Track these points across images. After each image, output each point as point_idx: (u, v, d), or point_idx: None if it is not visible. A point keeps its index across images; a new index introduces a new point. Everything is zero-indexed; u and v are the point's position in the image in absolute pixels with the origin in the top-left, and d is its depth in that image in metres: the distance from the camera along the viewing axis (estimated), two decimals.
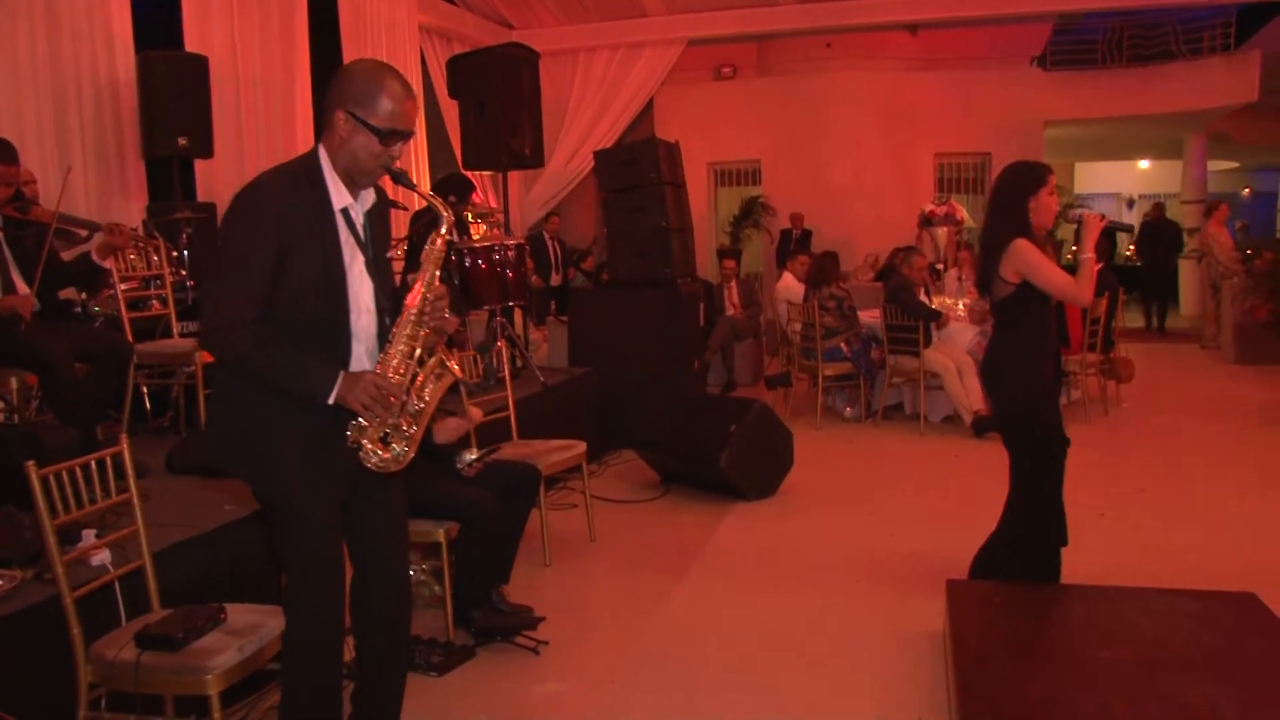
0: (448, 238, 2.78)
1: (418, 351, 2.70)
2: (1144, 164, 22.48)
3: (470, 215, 7.07)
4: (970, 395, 7.62)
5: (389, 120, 2.60)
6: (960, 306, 8.54)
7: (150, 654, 2.73)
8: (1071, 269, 4.02)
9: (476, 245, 6.63)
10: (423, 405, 2.73)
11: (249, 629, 2.88)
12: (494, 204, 9.73)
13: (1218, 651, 3.38)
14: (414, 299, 2.69)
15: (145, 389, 5.61)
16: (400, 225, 8.03)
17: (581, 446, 5.27)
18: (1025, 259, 3.88)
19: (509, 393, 5.45)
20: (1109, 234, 4.07)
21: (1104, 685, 3.13)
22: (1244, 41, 15.10)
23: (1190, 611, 3.69)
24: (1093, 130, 16.79)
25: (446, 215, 2.77)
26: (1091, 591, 4.01)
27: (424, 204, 7.51)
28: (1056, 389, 4.22)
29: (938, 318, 7.90)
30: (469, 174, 8.58)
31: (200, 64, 6.81)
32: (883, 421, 8.18)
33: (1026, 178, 4.01)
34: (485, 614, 4.11)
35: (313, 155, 2.67)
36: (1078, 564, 4.67)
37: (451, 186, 6.97)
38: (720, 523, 5.69)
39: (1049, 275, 3.90)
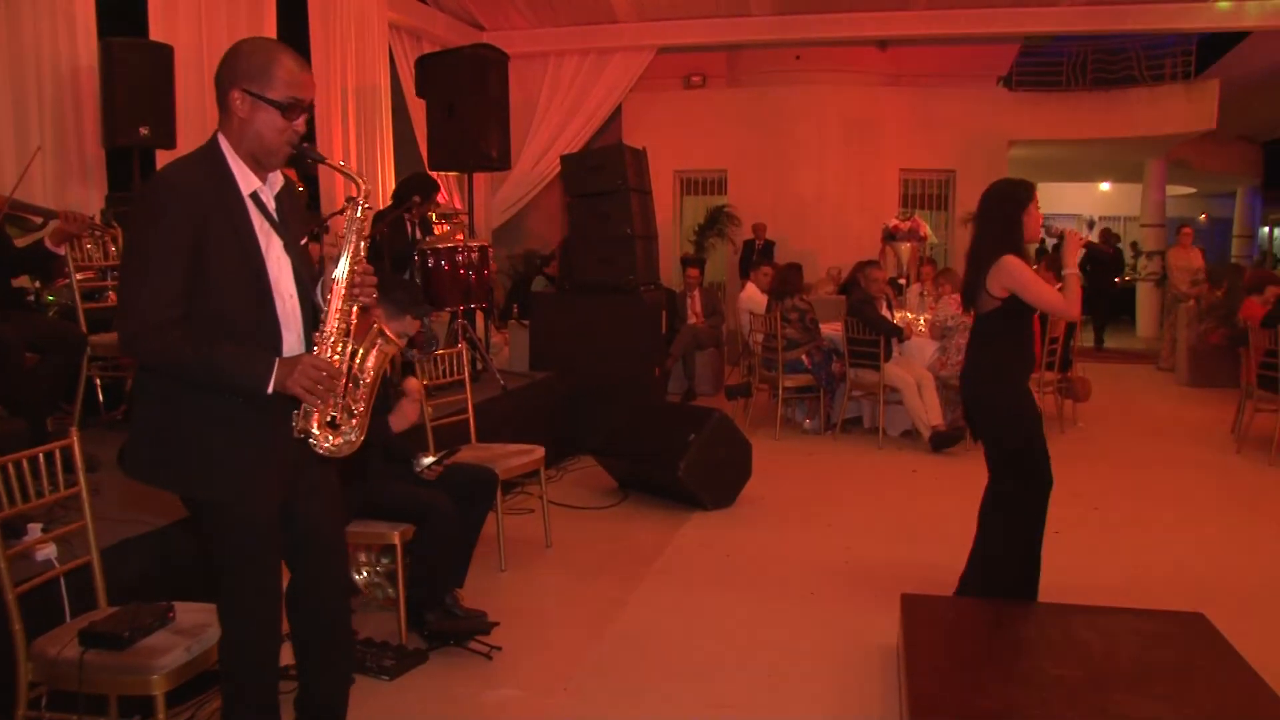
0: (368, 206, 2.70)
1: (352, 325, 2.63)
2: (1105, 186, 22.78)
3: (435, 216, 7.03)
4: (929, 411, 7.67)
5: (287, 91, 2.54)
6: (921, 322, 8.60)
7: (94, 652, 2.68)
8: None
9: (439, 246, 6.59)
10: (367, 379, 2.67)
11: (198, 628, 2.84)
12: (459, 205, 9.69)
13: (1166, 670, 3.42)
14: (341, 273, 2.61)
15: (99, 381, 5.51)
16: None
17: (540, 451, 5.24)
18: (1015, 275, 3.94)
19: (468, 395, 5.41)
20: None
21: (1054, 701, 3.15)
22: (1204, 70, 15.38)
23: (1140, 630, 3.73)
24: (1056, 151, 17.00)
25: (363, 185, 2.68)
26: (1043, 609, 4.04)
27: (385, 204, 7.52)
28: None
29: (899, 333, 7.94)
30: (435, 175, 8.53)
31: (165, 53, 6.72)
32: (842, 434, 8.20)
33: (1016, 193, 4.07)
34: (439, 618, 4.07)
35: (213, 143, 2.59)
36: None
37: (415, 186, 6.92)
38: (677, 531, 5.68)
39: (1038, 291, 3.97)
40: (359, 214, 2.67)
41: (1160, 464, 7.28)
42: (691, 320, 9.98)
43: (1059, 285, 4.20)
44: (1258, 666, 3.29)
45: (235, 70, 2.55)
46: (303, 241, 2.76)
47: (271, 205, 2.65)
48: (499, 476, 4.64)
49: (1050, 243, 4.28)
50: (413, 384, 4.42)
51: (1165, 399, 10.30)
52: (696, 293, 10.24)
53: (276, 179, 2.69)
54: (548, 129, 12.46)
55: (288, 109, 2.55)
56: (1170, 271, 11.71)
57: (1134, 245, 17.45)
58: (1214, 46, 15.29)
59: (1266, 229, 24.69)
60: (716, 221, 14.71)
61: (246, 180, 2.58)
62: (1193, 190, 24.44)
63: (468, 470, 4.44)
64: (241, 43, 2.63)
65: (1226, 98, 15.03)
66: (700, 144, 14.93)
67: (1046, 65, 15.56)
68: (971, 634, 3.77)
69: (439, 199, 7.93)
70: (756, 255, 12.36)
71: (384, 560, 4.49)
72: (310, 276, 2.72)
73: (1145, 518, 5.94)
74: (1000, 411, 4.10)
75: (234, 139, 2.57)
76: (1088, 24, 12.41)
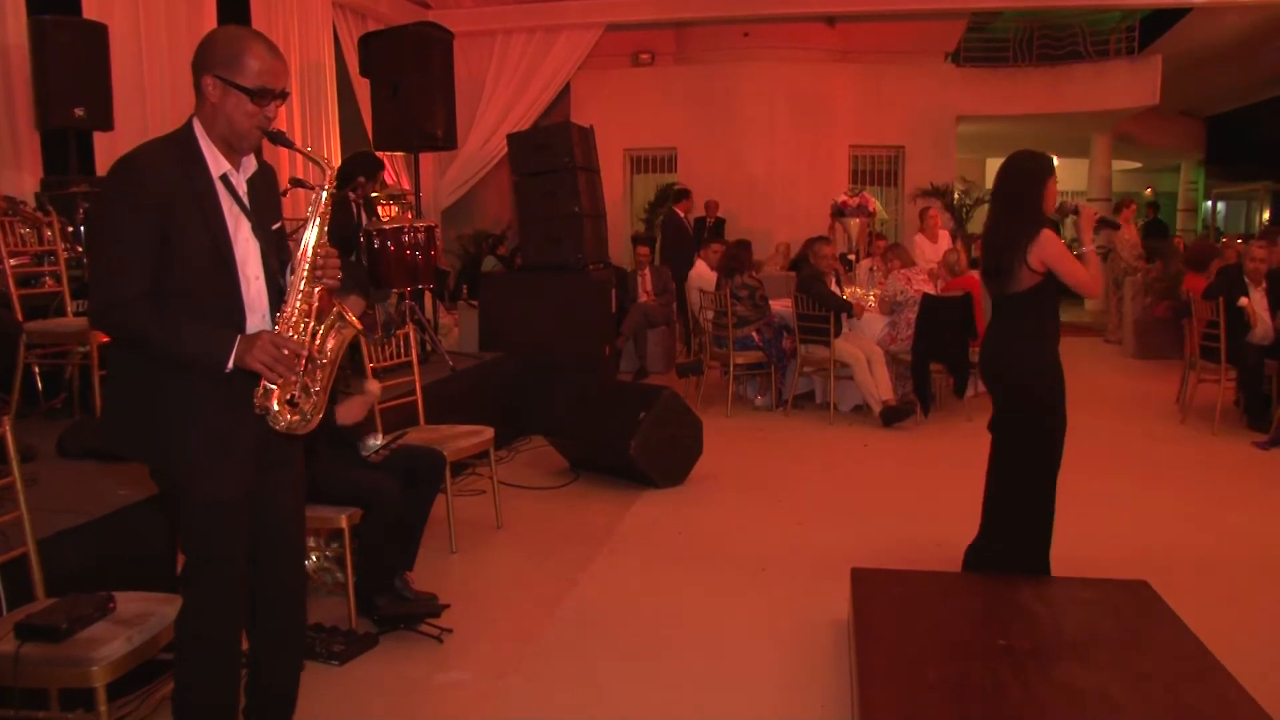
0: (331, 190, 2.76)
1: (314, 307, 2.68)
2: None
3: (382, 196, 6.96)
4: (879, 385, 7.72)
5: (258, 79, 2.58)
6: (871, 297, 8.64)
7: (31, 645, 2.63)
8: None
9: (385, 227, 6.52)
10: (325, 360, 2.70)
11: (139, 618, 2.80)
12: (406, 185, 9.60)
13: (1111, 637, 3.45)
14: (305, 253, 2.67)
15: (37, 369, 5.42)
16: (306, 204, 7.88)
17: (489, 432, 5.22)
18: (1053, 250, 3.93)
19: (416, 377, 5.37)
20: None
21: (1000, 671, 3.18)
22: (1147, 46, 15.56)
23: (1086, 599, 3.77)
24: (1003, 127, 17.13)
25: (329, 170, 2.76)
26: (992, 581, 4.07)
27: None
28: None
29: (849, 309, 7.98)
30: (381, 155, 8.44)
31: (99, 31, 6.57)
32: (793, 410, 8.24)
33: (1040, 167, 4.04)
34: (388, 602, 4.05)
35: (187, 127, 2.64)
36: None
37: (359, 166, 6.85)
38: (628, 510, 5.68)
39: (1071, 267, 3.97)
40: (323, 198, 2.74)
41: (1108, 435, 7.37)
42: (642, 299, 9.98)
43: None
44: (1201, 633, 3.34)
45: (209, 57, 2.60)
46: (275, 225, 2.81)
47: (243, 189, 2.69)
48: (447, 458, 4.61)
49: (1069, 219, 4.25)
50: (374, 388, 4.41)
51: (1113, 371, 10.44)
52: (647, 271, 10.24)
53: (250, 163, 2.73)
54: (496, 108, 12.36)
55: (257, 95, 2.59)
56: (1116, 246, 11.85)
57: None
58: (1157, 22, 15.47)
59: (1210, 203, 25.05)
60: (666, 199, 14.67)
61: (217, 163, 2.62)
62: (1138, 165, 24.78)
63: (415, 453, 4.41)
64: (217, 30, 2.71)
65: (1169, 73, 15.26)
66: (649, 122, 14.90)
67: (993, 42, 15.69)
68: (921, 607, 3.79)
69: (386, 179, 7.85)
70: (707, 233, 12.36)
71: (333, 545, 4.45)
72: (280, 260, 2.78)
73: (1092, 488, 6.01)
74: (1038, 387, 4.06)
75: (207, 123, 2.62)
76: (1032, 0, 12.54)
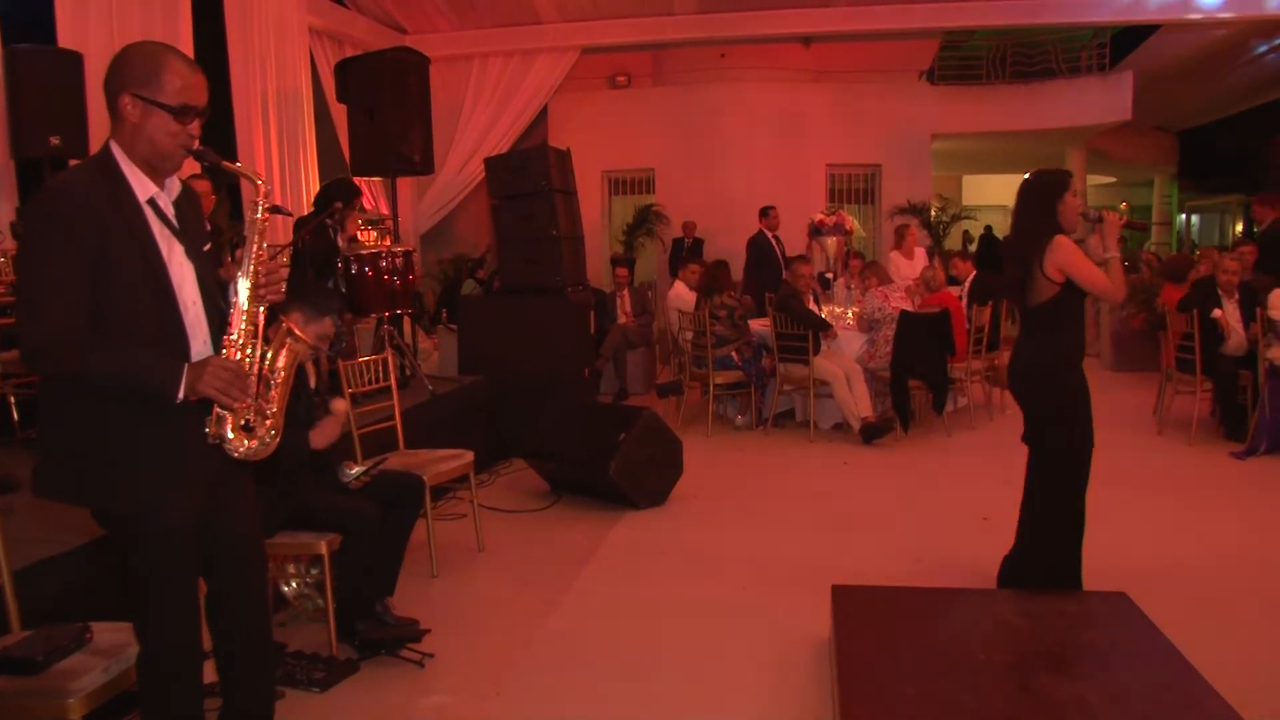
0: (268, 206, 2.66)
1: (260, 328, 2.61)
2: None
3: (361, 222, 6.96)
4: (859, 403, 7.74)
5: (179, 96, 2.49)
6: (849, 315, 8.68)
7: (6, 678, 2.62)
8: None
9: (363, 252, 6.52)
10: (279, 379, 2.64)
11: (116, 648, 2.78)
12: (385, 211, 9.60)
13: (1090, 649, 3.49)
14: (246, 274, 2.58)
15: (13, 399, 5.39)
16: (285, 231, 7.89)
17: (469, 456, 5.21)
18: (1069, 255, 3.99)
19: (395, 402, 5.37)
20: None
21: (982, 685, 3.20)
22: (1119, 62, 15.73)
23: (1066, 612, 3.80)
24: (978, 144, 17.29)
25: (261, 186, 2.63)
26: (973, 595, 4.10)
27: (308, 210, 7.43)
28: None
29: (826, 327, 8.01)
30: (359, 180, 8.44)
31: (73, 60, 6.56)
32: (773, 429, 8.26)
33: (1053, 183, 4.13)
34: (369, 627, 4.03)
35: (105, 151, 2.53)
36: (962, 567, 4.79)
37: (336, 191, 6.85)
38: (610, 531, 5.68)
39: (1090, 272, 4.01)
40: (259, 215, 2.63)
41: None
42: (622, 320, 9.99)
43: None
44: (1179, 644, 3.36)
45: (124, 75, 2.50)
46: (206, 247, 2.70)
47: (170, 211, 2.59)
48: (426, 483, 4.61)
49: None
50: (340, 406, 4.39)
51: (1091, 384, 10.45)
52: (626, 292, 10.26)
53: (174, 185, 2.63)
54: (473, 132, 12.40)
55: (180, 112, 2.51)
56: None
57: None
58: (1127, 39, 15.65)
59: (1184, 215, 25.27)
60: (645, 220, 14.77)
61: (143, 187, 2.52)
62: (1113, 179, 25.01)
63: (394, 478, 4.40)
64: (129, 47, 2.58)
65: (1141, 89, 15.43)
66: (627, 144, 14.97)
67: (967, 60, 15.84)
68: (901, 623, 3.80)
69: (364, 204, 7.84)
70: (685, 253, 12.38)
71: (313, 571, 4.43)
72: (215, 282, 2.67)
73: None
74: (1061, 399, 4.12)
75: (126, 145, 2.52)
76: (1006, 18, 12.64)
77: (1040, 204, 4.13)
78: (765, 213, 11.00)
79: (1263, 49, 16.12)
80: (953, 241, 15.80)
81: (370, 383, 5.29)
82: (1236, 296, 7.59)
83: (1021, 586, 4.21)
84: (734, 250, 11.78)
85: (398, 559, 4.32)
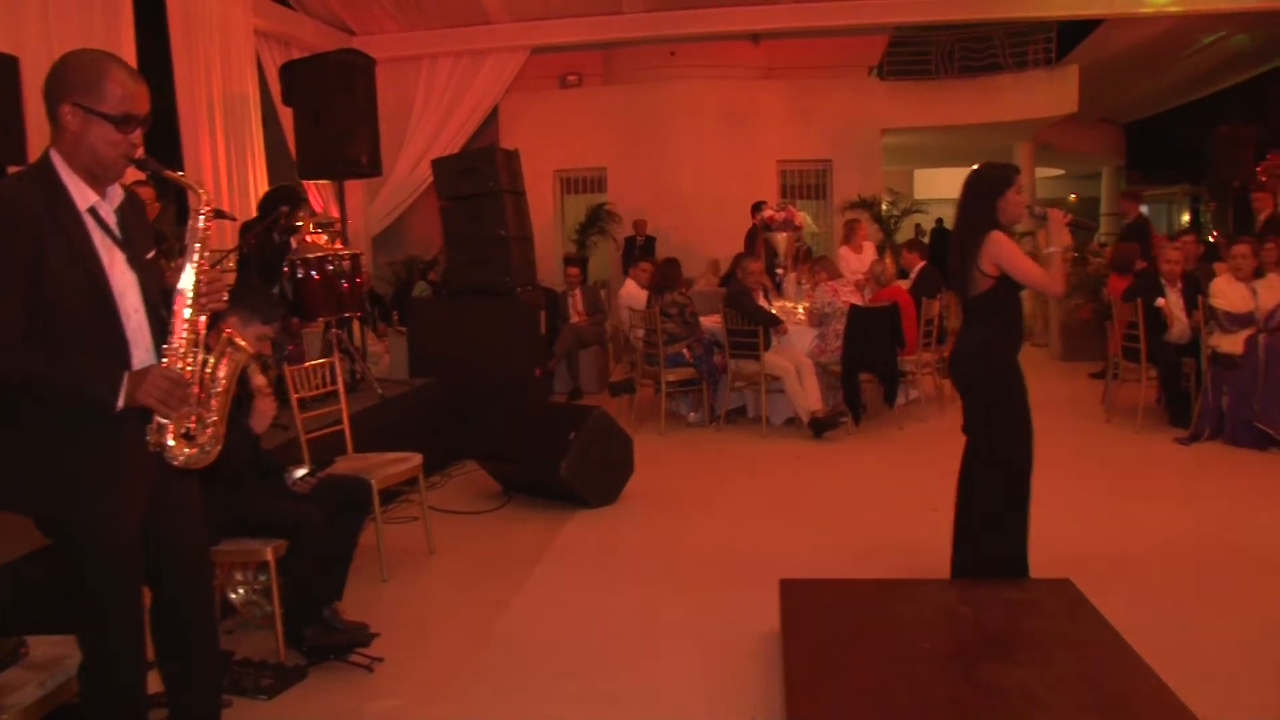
0: (210, 212, 2.67)
1: (202, 335, 2.61)
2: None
3: (311, 225, 6.91)
4: (809, 396, 7.78)
5: (121, 105, 2.49)
6: (800, 310, 8.73)
7: None
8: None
9: (309, 256, 6.48)
10: (219, 389, 2.65)
11: (53, 662, 2.77)
12: (335, 214, 9.53)
13: (1034, 636, 3.52)
14: (186, 283, 2.58)
15: None
16: (230, 236, 7.83)
17: (418, 458, 5.18)
18: (1002, 249, 4.05)
19: (343, 405, 5.35)
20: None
21: (926, 674, 3.23)
22: (1065, 55, 15.92)
23: (1011, 599, 3.84)
24: (928, 138, 17.42)
25: (203, 194, 2.65)
26: (920, 585, 4.13)
27: (253, 214, 7.37)
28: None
29: (776, 323, 8.05)
30: (308, 183, 8.37)
31: (9, 64, 6.44)
32: (726, 425, 8.28)
33: (997, 179, 4.18)
34: (317, 633, 4.01)
35: (45, 160, 2.53)
36: (912, 558, 4.84)
37: (282, 196, 6.80)
38: (561, 530, 5.68)
39: (1024, 265, 4.07)
40: (200, 223, 2.64)
41: (1035, 436, 7.45)
42: (574, 319, 10.00)
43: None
44: (1124, 630, 3.41)
45: (64, 83, 2.48)
46: (149, 254, 2.70)
47: (112, 220, 2.59)
48: (374, 486, 4.60)
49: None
50: (258, 380, 4.33)
51: (1040, 374, 10.58)
52: (578, 291, 10.26)
53: (116, 192, 2.63)
54: (423, 133, 12.36)
55: (121, 122, 2.50)
56: (1039, 251, 12.08)
57: None
58: (1073, 33, 15.83)
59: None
60: (597, 219, 14.79)
61: (83, 195, 2.51)
62: (1061, 172, 25.30)
63: (340, 482, 4.39)
64: (69, 55, 2.56)
65: (1087, 82, 15.61)
66: (579, 142, 14.97)
67: (916, 54, 15.93)
68: (849, 615, 3.83)
69: (315, 207, 7.79)
70: (637, 251, 12.39)
71: (260, 577, 4.41)
72: (158, 290, 2.67)
73: None
74: (994, 388, 4.19)
75: (67, 154, 2.50)
76: (953, 13, 12.76)
77: (982, 199, 4.19)
78: (758, 207, 11.12)
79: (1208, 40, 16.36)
80: (905, 235, 15.89)
81: (317, 387, 5.26)
82: (1179, 285, 7.73)
83: (970, 575, 4.26)
84: (684, 247, 11.84)
85: (345, 563, 4.30)
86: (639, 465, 6.38)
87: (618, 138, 14.93)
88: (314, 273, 6.44)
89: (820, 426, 7.66)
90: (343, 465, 4.78)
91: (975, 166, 4.34)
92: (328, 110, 7.84)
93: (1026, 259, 4.12)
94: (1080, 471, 6.49)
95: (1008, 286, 4.12)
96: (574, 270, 10.46)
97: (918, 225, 17.44)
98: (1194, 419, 7.29)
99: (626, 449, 6.29)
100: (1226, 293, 7.29)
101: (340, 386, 5.34)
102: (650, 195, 14.55)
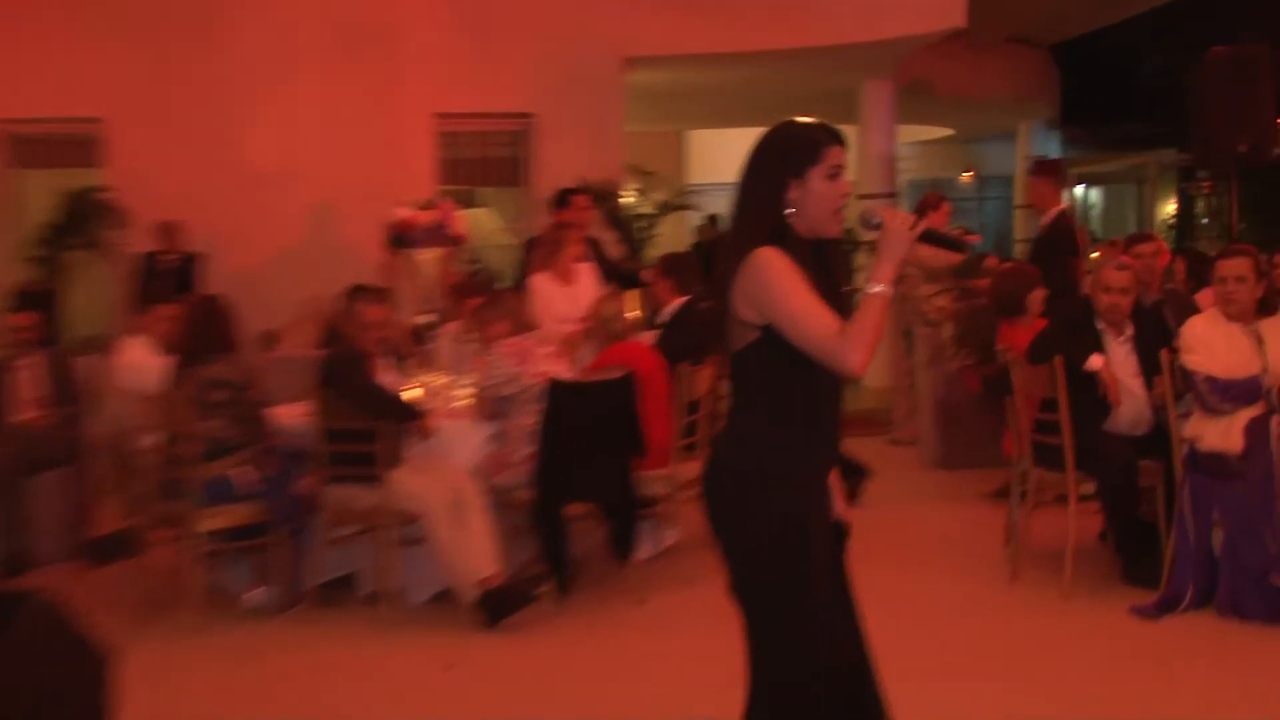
0: None
1: None
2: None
3: None
4: (475, 552, 7.66)
5: None
6: (462, 390, 8.64)
7: None
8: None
9: None
10: None
11: None
12: None
13: None
14: None
15: None
16: None
17: None
18: (764, 278, 3.84)
19: None
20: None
21: None
22: None
23: None
24: (705, 76, 17.85)
25: None
26: None
27: None
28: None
29: (416, 416, 8.00)
30: None
31: None
32: (318, 610, 8.15)
33: (798, 144, 4.04)
34: None
35: None
36: None
37: None
38: None
39: (800, 314, 3.82)
40: None
41: (899, 610, 7.40)
42: (24, 416, 9.67)
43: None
44: None
45: None
46: None
47: None
48: None
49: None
50: None
51: (906, 495, 10.84)
52: (31, 359, 9.93)
53: None
54: None
55: None
56: (903, 280, 12.22)
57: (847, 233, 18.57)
58: None
59: (1079, 188, 26.95)
60: (85, 217, 14.53)
61: None
62: (949, 131, 26.41)
63: None
64: None
65: None
66: (48, 76, 14.75)
67: None
68: None
69: None
70: (156, 280, 12.20)
71: None
72: None
73: None
74: (761, 530, 4.04)
75: None
76: None
77: (759, 188, 4.08)
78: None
79: None
80: (670, 246, 16.05)
81: None
82: (1130, 333, 7.85)
83: None
84: (250, 275, 11.69)
85: None
86: (133, 700, 5.99)
87: (121, 68, 14.88)
88: None
89: (497, 605, 7.56)
90: None
91: (773, 127, 4.21)
92: None
93: (802, 298, 3.88)
94: (968, 676, 6.54)
95: (779, 346, 3.96)
96: (26, 319, 10.08)
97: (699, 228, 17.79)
98: (1165, 571, 7.43)
99: (93, 675, 5.91)
100: (1210, 343, 7.38)
101: None
102: (187, 176, 14.54)
